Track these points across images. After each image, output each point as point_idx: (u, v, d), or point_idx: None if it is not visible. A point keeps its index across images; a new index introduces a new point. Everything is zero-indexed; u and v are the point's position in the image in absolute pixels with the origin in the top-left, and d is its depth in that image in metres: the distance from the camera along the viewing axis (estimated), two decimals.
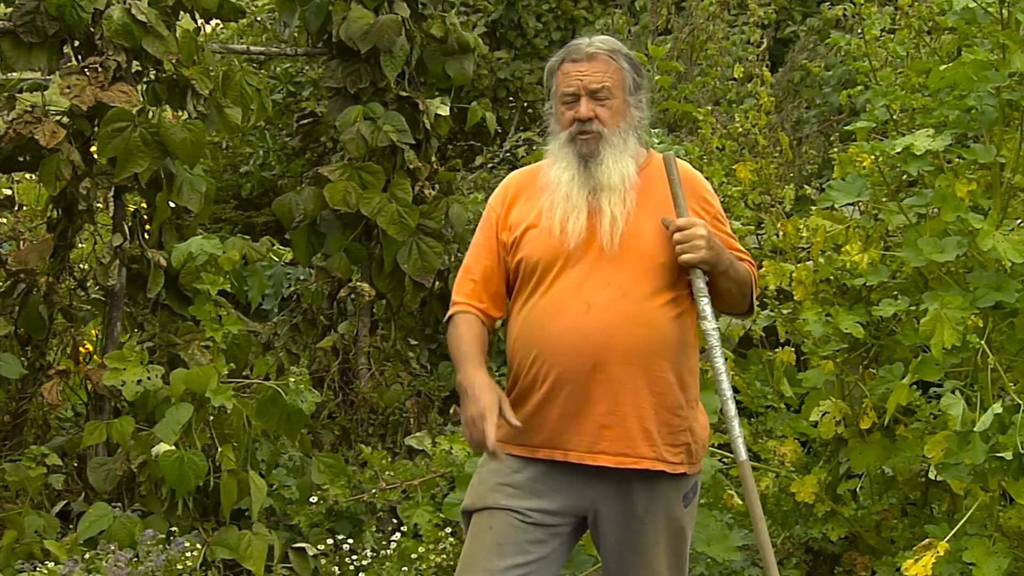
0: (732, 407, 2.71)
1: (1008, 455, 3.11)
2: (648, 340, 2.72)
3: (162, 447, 4.39)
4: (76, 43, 4.96)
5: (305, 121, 6.22)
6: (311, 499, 4.75)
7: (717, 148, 5.41)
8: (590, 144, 2.77)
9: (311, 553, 4.56)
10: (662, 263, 2.75)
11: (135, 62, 5.01)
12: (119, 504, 4.55)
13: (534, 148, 7.14)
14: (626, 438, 2.72)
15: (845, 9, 6.60)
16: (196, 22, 5.35)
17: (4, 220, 5.65)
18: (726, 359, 2.90)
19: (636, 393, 2.73)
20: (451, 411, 5.85)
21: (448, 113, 5.98)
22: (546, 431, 2.77)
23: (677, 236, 2.71)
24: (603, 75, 2.79)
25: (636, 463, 2.72)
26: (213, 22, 8.08)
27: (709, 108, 6.17)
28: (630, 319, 2.71)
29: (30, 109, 4.83)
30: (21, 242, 5.43)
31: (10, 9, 4.87)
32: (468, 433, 2.68)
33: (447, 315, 2.91)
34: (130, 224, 5.06)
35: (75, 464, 5.05)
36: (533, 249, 2.80)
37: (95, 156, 4.90)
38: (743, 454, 2.70)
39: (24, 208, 5.88)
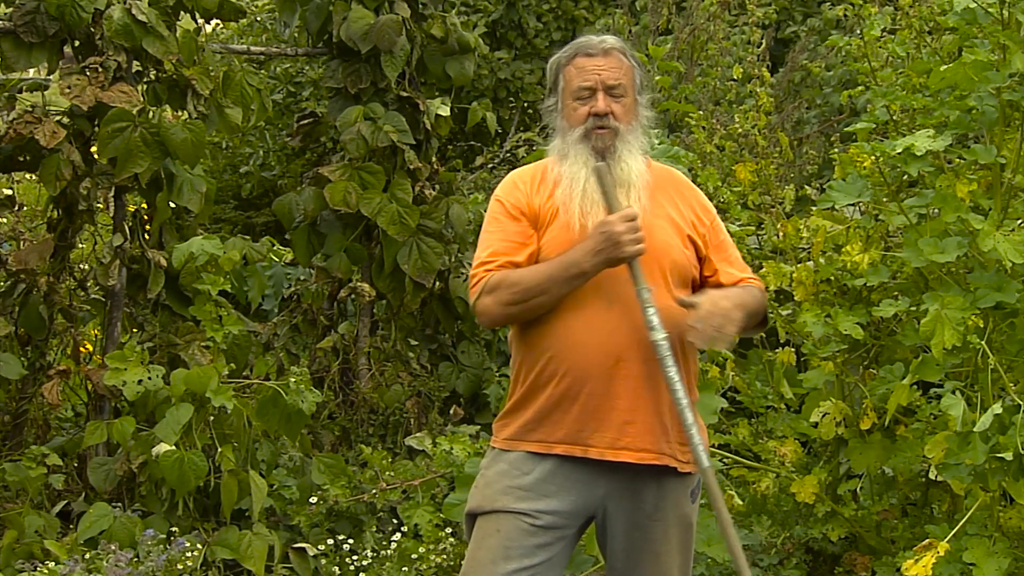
0: (689, 416, 2.67)
1: (1008, 455, 3.11)
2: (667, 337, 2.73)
3: (162, 447, 4.39)
4: (76, 43, 4.95)
5: (305, 121, 6.22)
6: (311, 499, 4.75)
7: (717, 148, 5.41)
8: (606, 139, 2.76)
9: (311, 553, 4.56)
10: (675, 260, 2.76)
11: (135, 62, 5.01)
12: (119, 504, 4.55)
13: (534, 148, 7.13)
14: (648, 434, 2.72)
15: (845, 10, 6.60)
16: (196, 22, 5.35)
17: (4, 220, 5.65)
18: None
19: (656, 389, 2.72)
20: (451, 411, 5.85)
21: (448, 113, 5.98)
22: (565, 427, 2.75)
23: (709, 329, 2.63)
24: (619, 72, 2.78)
25: (656, 459, 2.72)
26: (213, 22, 8.09)
27: (708, 110, 6.17)
28: None
29: (30, 109, 4.83)
30: (21, 242, 5.42)
31: (10, 9, 4.87)
32: (619, 238, 2.63)
33: (477, 288, 2.75)
34: (130, 224, 5.06)
35: (75, 464, 5.05)
36: (552, 244, 2.77)
37: (95, 156, 4.90)
38: (705, 461, 2.67)
39: (24, 208, 5.87)
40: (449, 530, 4.56)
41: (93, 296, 5.25)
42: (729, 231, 4.33)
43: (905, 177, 3.89)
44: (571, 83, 2.79)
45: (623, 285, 2.70)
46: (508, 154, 7.58)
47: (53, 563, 4.16)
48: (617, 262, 2.66)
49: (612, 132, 2.76)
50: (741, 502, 4.23)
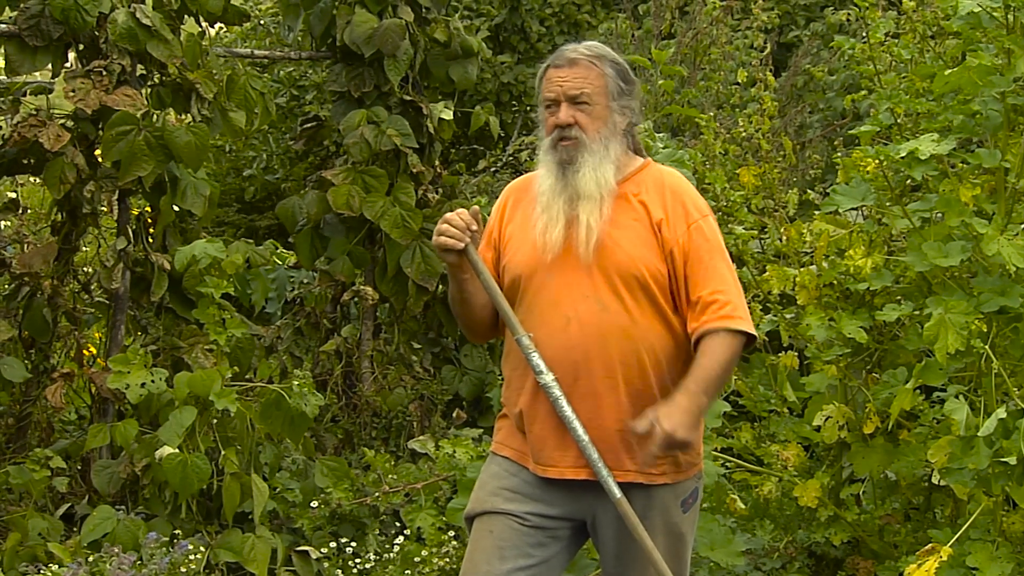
0: (593, 452, 2.67)
1: (1012, 460, 3.10)
2: (629, 353, 2.71)
3: (166, 450, 4.39)
4: (81, 47, 4.96)
5: (309, 125, 6.23)
6: (314, 502, 4.75)
7: (720, 153, 5.40)
8: (570, 151, 2.76)
9: (314, 556, 4.56)
10: (641, 274, 2.71)
11: (139, 66, 5.02)
12: (123, 507, 4.55)
13: (537, 153, 7.12)
14: (609, 452, 2.71)
15: (849, 14, 6.60)
16: (200, 26, 5.36)
17: (8, 223, 5.65)
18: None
19: (617, 407, 2.72)
20: (454, 415, 5.85)
21: (451, 117, 5.98)
22: (529, 445, 2.80)
23: (655, 451, 2.60)
24: (583, 81, 2.76)
25: (621, 477, 2.71)
26: (217, 26, 8.08)
27: (712, 114, 6.17)
28: (610, 332, 2.70)
29: (35, 112, 4.84)
30: (25, 245, 5.41)
31: (15, 13, 4.87)
32: (441, 227, 2.74)
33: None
34: (134, 227, 5.06)
35: (79, 467, 5.05)
36: (515, 259, 2.82)
37: (99, 159, 4.91)
38: (617, 492, 2.66)
39: (28, 211, 5.87)
40: (452, 533, 4.55)
41: (97, 299, 5.25)
42: (734, 233, 4.36)
43: (909, 181, 3.89)
44: (542, 94, 2.82)
45: (581, 302, 2.71)
46: (511, 158, 7.58)
47: (56, 566, 4.16)
48: (441, 256, 2.79)
49: (576, 142, 2.75)
50: (744, 506, 4.22)
